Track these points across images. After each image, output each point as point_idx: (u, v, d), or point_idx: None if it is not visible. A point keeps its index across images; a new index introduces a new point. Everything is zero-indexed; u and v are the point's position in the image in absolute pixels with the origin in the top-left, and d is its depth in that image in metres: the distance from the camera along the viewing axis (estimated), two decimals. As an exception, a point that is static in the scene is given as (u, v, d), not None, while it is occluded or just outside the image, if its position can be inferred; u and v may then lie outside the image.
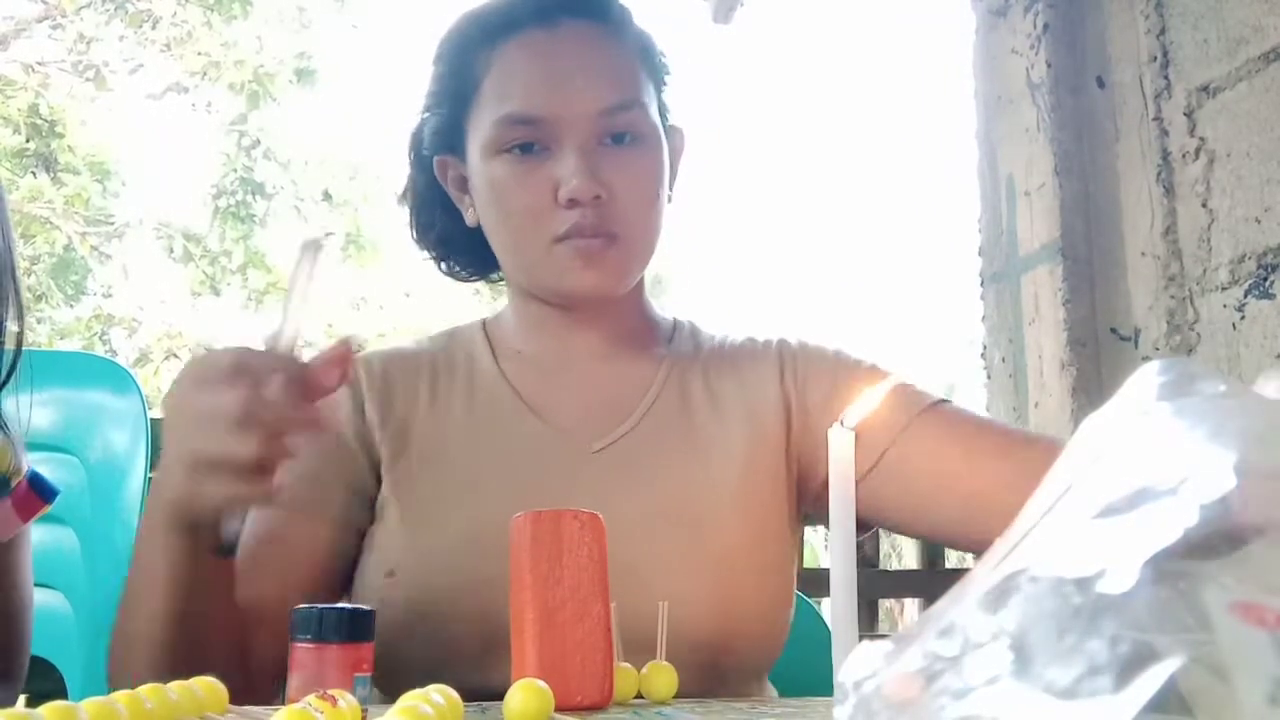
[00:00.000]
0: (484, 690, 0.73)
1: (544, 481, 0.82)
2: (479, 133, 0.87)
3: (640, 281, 0.95)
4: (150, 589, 0.71)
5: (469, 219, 0.92)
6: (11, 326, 0.79)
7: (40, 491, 0.81)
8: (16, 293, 0.78)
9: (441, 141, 0.92)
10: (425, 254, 0.99)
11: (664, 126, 0.93)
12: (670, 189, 0.94)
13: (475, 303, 5.75)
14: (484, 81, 0.87)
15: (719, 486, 0.88)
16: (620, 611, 0.67)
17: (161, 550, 0.69)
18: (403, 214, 0.99)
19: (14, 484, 0.80)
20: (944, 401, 0.89)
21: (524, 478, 0.85)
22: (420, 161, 0.95)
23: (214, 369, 0.65)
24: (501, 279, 0.97)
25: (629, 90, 0.87)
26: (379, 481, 0.87)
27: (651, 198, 0.88)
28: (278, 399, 0.63)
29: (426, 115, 0.94)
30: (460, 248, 0.97)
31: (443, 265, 0.99)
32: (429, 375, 0.93)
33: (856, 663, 0.21)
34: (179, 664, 0.67)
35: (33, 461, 0.87)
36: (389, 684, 0.73)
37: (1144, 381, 0.21)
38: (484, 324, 0.99)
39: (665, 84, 0.95)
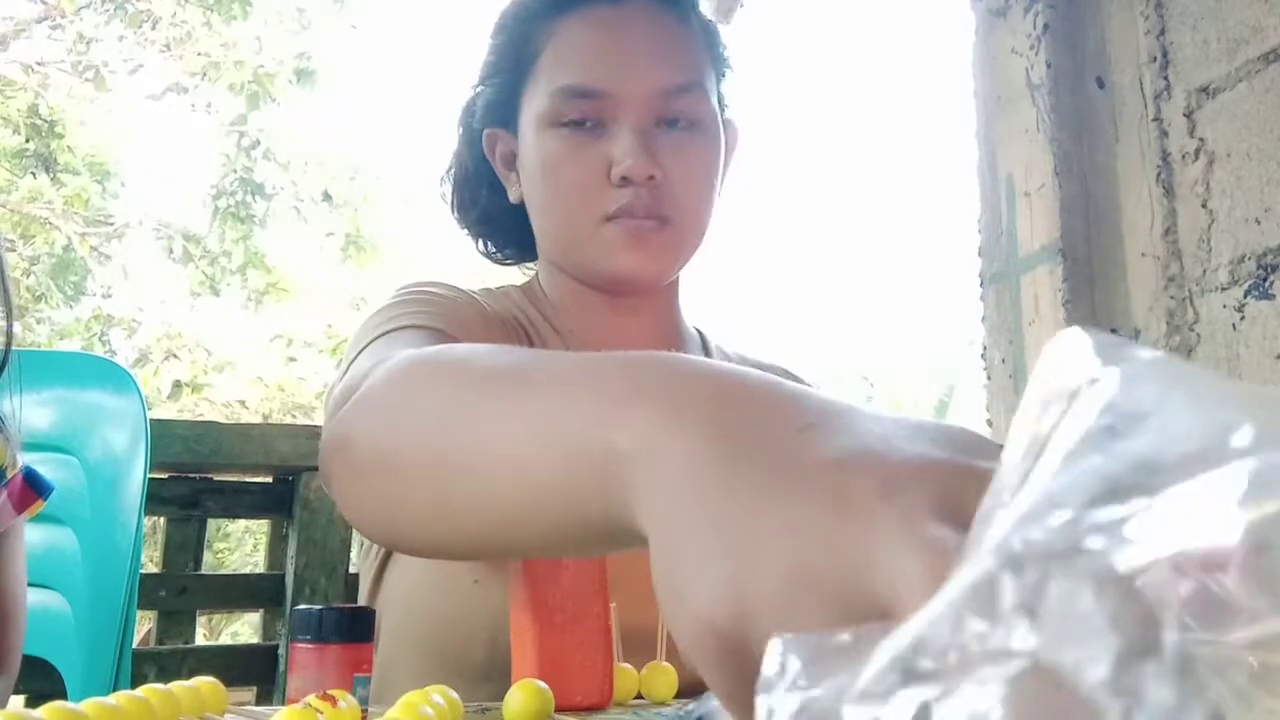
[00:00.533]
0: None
1: None
2: (534, 104, 0.85)
3: (676, 283, 0.93)
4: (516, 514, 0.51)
5: (513, 195, 0.90)
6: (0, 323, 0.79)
7: (35, 486, 0.81)
8: (5, 290, 0.78)
9: (494, 115, 0.89)
10: (464, 231, 0.96)
11: (724, 111, 0.91)
12: (721, 182, 0.91)
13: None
14: (544, 52, 0.85)
15: None
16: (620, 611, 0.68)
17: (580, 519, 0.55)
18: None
19: (9, 477, 0.80)
20: None
21: None
22: (469, 136, 0.93)
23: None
24: (534, 264, 0.94)
25: (691, 73, 0.85)
26: None
27: (706, 185, 0.86)
28: None
29: (480, 88, 0.91)
30: (500, 227, 0.95)
31: (480, 244, 0.97)
32: (516, 335, 0.88)
33: (777, 662, 0.21)
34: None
35: (32, 461, 0.87)
36: (495, 670, 0.71)
37: (1067, 354, 0.21)
38: (527, 293, 0.93)
39: (725, 76, 0.92)
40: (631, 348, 0.94)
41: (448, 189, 0.96)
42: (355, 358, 0.70)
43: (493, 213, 0.93)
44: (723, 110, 0.91)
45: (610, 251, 0.83)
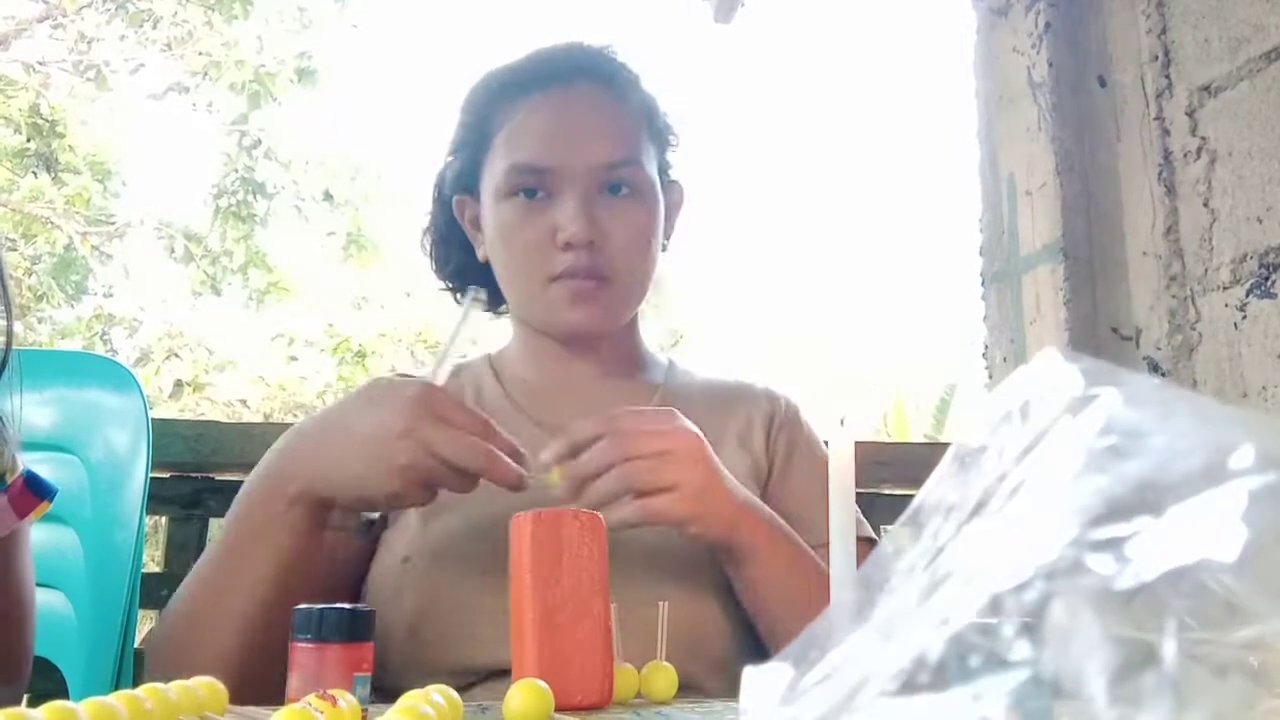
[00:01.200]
0: (498, 666, 0.80)
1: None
2: (492, 177, 0.96)
3: (634, 319, 1.04)
4: (251, 560, 0.78)
5: (480, 255, 1.01)
6: None
7: (37, 489, 0.81)
8: (5, 289, 0.78)
9: (460, 183, 1.02)
10: (443, 286, 1.08)
11: (664, 182, 1.01)
12: (667, 238, 1.03)
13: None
14: (500, 132, 0.96)
15: None
16: (620, 611, 0.68)
17: (279, 522, 0.77)
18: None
19: (10, 481, 0.80)
20: (871, 541, 0.94)
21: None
22: (441, 201, 1.05)
23: (412, 386, 0.75)
24: (506, 313, 1.06)
25: (629, 148, 0.95)
26: None
27: (643, 246, 0.96)
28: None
29: (450, 160, 1.03)
30: (474, 281, 1.04)
31: (458, 297, 1.07)
32: None
33: (757, 692, 0.21)
34: (261, 645, 0.75)
35: (33, 461, 0.87)
36: (411, 662, 0.82)
37: (1051, 375, 0.21)
38: (489, 358, 1.08)
39: (670, 144, 1.04)
40: (580, 384, 1.01)
41: (427, 244, 1.08)
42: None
43: (464, 269, 1.04)
44: (666, 176, 1.03)
45: (556, 309, 0.94)
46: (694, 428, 0.81)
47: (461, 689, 0.80)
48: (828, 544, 0.93)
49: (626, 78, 1.00)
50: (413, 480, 0.73)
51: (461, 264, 1.05)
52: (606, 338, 1.00)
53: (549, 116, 0.94)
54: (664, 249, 1.03)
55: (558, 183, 0.93)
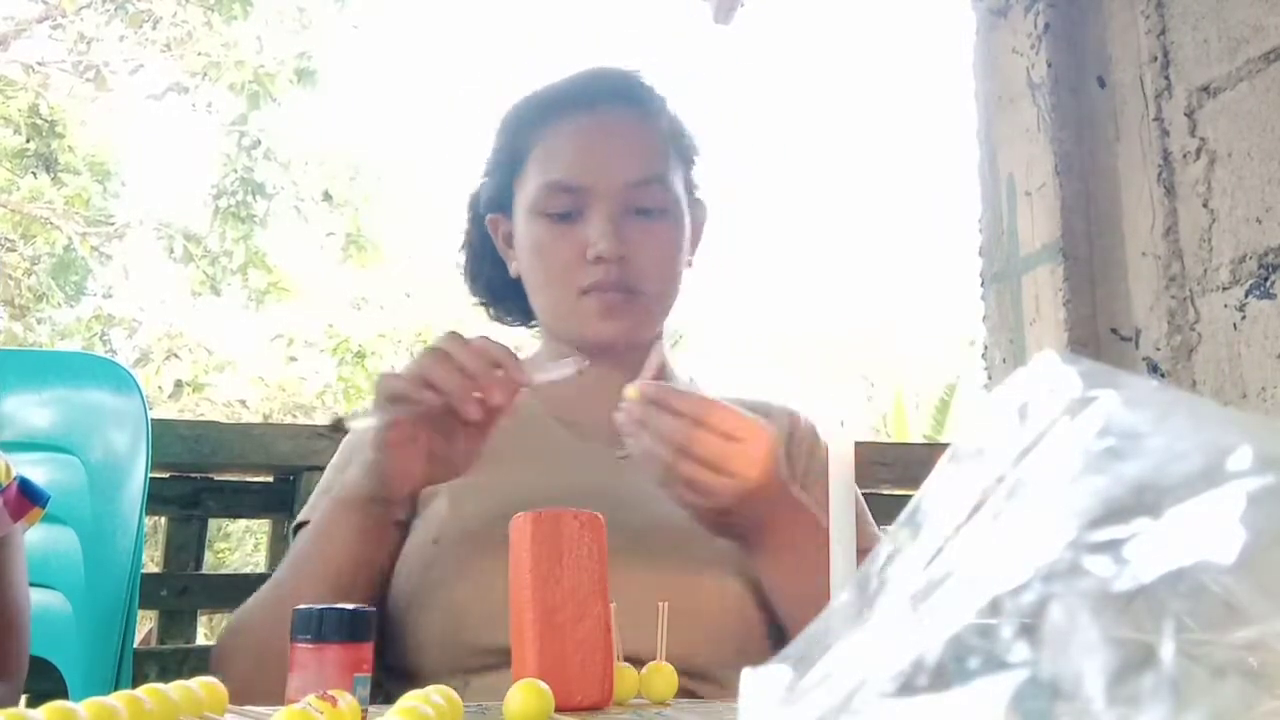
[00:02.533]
0: (490, 646, 0.83)
1: (570, 476, 0.93)
2: (525, 195, 1.00)
3: (660, 335, 1.07)
4: (327, 560, 0.86)
5: (512, 270, 1.05)
6: None
7: (30, 495, 0.81)
8: None
9: (494, 202, 1.05)
10: (476, 300, 1.13)
11: (690, 198, 1.05)
12: (692, 253, 1.07)
13: (478, 309, 5.74)
14: (533, 152, 1.00)
15: None
16: (630, 607, 0.68)
17: (347, 525, 0.86)
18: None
19: (4, 486, 0.80)
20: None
21: (553, 470, 0.97)
22: (476, 219, 1.09)
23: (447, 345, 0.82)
24: (537, 325, 1.10)
25: (655, 167, 0.99)
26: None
27: (670, 261, 1.01)
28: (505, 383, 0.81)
29: (484, 180, 1.07)
30: (506, 296, 1.10)
31: (490, 310, 1.12)
32: None
33: (756, 693, 0.21)
34: None
35: (33, 462, 0.87)
36: (435, 639, 0.87)
37: (1049, 377, 0.21)
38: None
39: (695, 162, 1.07)
40: (609, 393, 1.01)
41: (462, 259, 1.12)
42: (312, 502, 0.98)
43: (498, 284, 1.09)
44: (693, 192, 1.06)
45: (587, 320, 0.98)
46: (773, 432, 0.83)
47: (482, 669, 0.84)
48: (861, 551, 0.95)
49: (655, 100, 1.04)
50: (398, 425, 0.81)
51: (494, 281, 1.09)
52: (633, 350, 1.02)
53: (580, 137, 0.98)
54: (689, 265, 1.07)
55: (589, 200, 0.96)
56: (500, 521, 0.86)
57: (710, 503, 0.80)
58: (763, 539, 0.85)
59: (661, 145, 1.02)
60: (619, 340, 0.99)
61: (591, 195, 0.96)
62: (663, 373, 1.07)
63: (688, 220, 1.04)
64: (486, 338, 0.83)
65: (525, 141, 1.01)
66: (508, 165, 1.03)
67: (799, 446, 1.04)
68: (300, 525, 0.96)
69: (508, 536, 0.81)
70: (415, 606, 0.88)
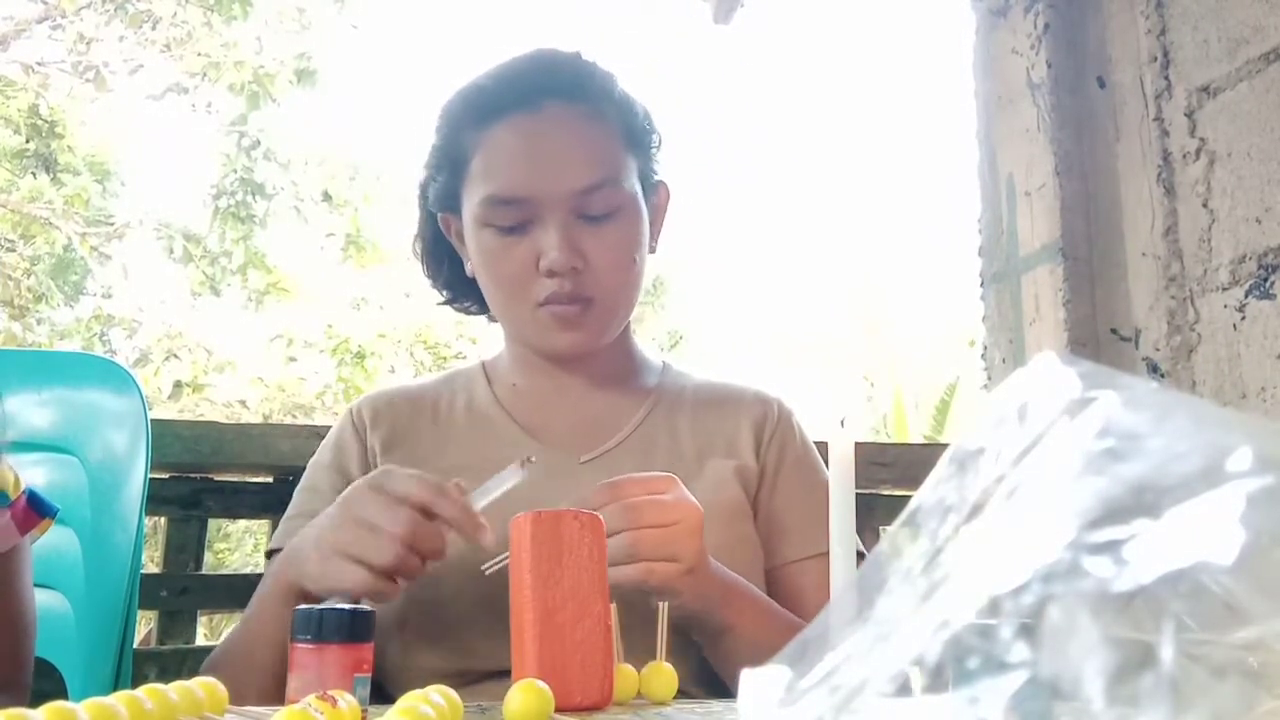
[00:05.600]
0: (491, 670, 0.83)
1: (533, 489, 0.84)
2: (470, 205, 0.96)
3: (627, 327, 1.04)
4: (260, 643, 0.83)
5: (468, 269, 1.01)
6: None
7: (39, 508, 0.81)
8: None
9: (442, 202, 1.01)
10: (438, 293, 1.08)
11: (650, 184, 1.01)
12: (655, 239, 1.04)
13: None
14: (473, 159, 0.95)
15: (697, 493, 0.92)
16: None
17: (274, 619, 0.80)
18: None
19: (13, 498, 0.80)
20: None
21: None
22: (429, 216, 1.04)
23: (398, 485, 0.74)
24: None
25: (605, 169, 0.94)
26: None
27: (626, 264, 0.96)
28: (436, 536, 0.73)
29: (429, 176, 1.02)
30: (466, 289, 1.06)
31: (454, 305, 1.08)
32: (430, 410, 1.03)
33: (756, 694, 0.21)
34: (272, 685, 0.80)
35: (33, 462, 0.87)
36: (403, 663, 0.85)
37: (1048, 378, 0.21)
38: (483, 364, 1.09)
39: (651, 146, 1.02)
40: (572, 392, 1.02)
41: (418, 251, 1.08)
42: (291, 514, 0.97)
43: (454, 280, 1.06)
44: (651, 179, 1.01)
45: (544, 333, 0.95)
46: (695, 501, 0.80)
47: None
48: (821, 554, 0.95)
49: (598, 88, 0.97)
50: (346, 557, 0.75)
51: (450, 277, 1.06)
52: (599, 350, 1.00)
53: (520, 144, 0.93)
54: (652, 251, 1.03)
55: (536, 211, 0.92)
56: (462, 545, 0.80)
57: (671, 591, 0.77)
58: (708, 620, 0.83)
59: (610, 143, 0.96)
60: (578, 350, 0.97)
61: (538, 206, 0.92)
62: (632, 363, 1.06)
63: (645, 211, 0.99)
64: (423, 481, 0.75)
65: (465, 143, 0.96)
66: (450, 168, 0.98)
67: (770, 437, 1.01)
68: (274, 551, 0.94)
69: (473, 561, 0.80)
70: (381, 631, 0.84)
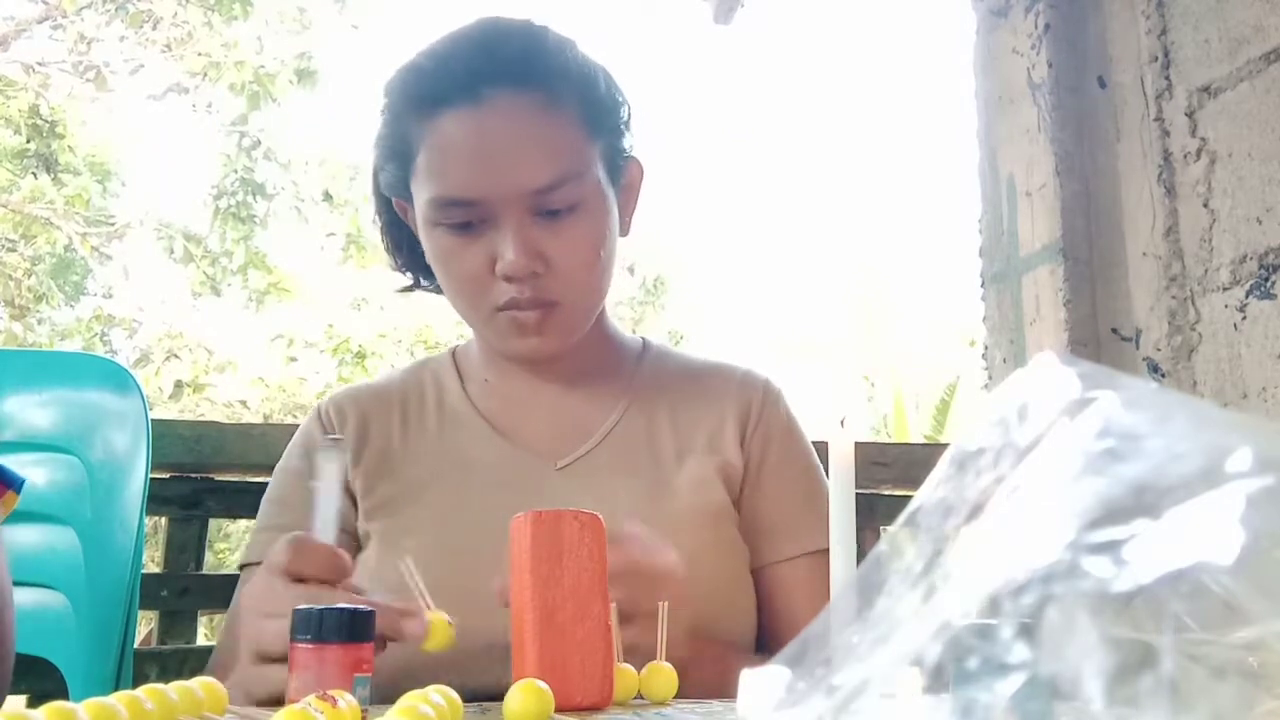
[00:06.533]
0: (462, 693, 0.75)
1: (509, 497, 0.79)
2: (419, 201, 0.88)
3: (602, 312, 0.98)
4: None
5: (428, 256, 0.93)
6: None
7: (4, 479, 0.77)
8: None
9: (395, 190, 0.94)
10: (401, 274, 1.02)
11: (618, 165, 0.93)
12: (628, 219, 0.97)
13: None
14: (418, 153, 0.87)
15: (678, 497, 0.90)
16: None
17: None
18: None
19: None
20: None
21: (491, 494, 0.89)
22: (384, 200, 0.97)
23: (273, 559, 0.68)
24: None
25: (563, 164, 0.85)
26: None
27: (591, 262, 0.89)
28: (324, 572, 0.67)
29: (378, 163, 0.94)
30: (425, 272, 0.99)
31: (421, 284, 1.01)
32: (400, 406, 0.98)
33: (755, 695, 0.21)
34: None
35: (33, 462, 0.87)
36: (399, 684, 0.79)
37: (1048, 378, 0.21)
38: (453, 353, 1.04)
39: (620, 118, 0.93)
40: (545, 389, 0.97)
41: (379, 233, 1.02)
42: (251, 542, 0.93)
43: (414, 263, 0.99)
44: (619, 159, 0.93)
45: (504, 339, 0.90)
46: (678, 569, 0.74)
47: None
48: (809, 552, 0.93)
49: (551, 67, 0.87)
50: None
51: (410, 260, 0.99)
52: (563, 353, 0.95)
53: (466, 141, 0.84)
54: (624, 233, 0.96)
55: (489, 210, 0.84)
56: (435, 564, 0.75)
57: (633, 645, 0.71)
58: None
59: (567, 134, 0.86)
60: (541, 356, 0.91)
61: (491, 206, 0.84)
62: (609, 351, 1.01)
63: (611, 199, 0.91)
64: (285, 546, 0.68)
65: (408, 134, 0.87)
66: (398, 159, 0.90)
67: (755, 428, 0.97)
68: (247, 564, 0.91)
69: (445, 579, 0.74)
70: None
